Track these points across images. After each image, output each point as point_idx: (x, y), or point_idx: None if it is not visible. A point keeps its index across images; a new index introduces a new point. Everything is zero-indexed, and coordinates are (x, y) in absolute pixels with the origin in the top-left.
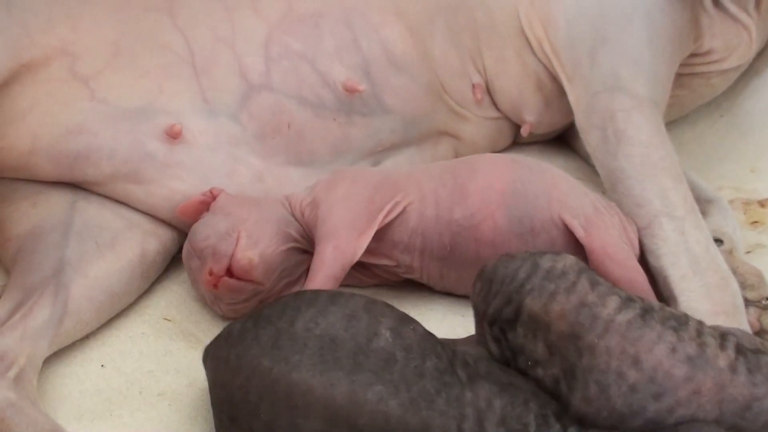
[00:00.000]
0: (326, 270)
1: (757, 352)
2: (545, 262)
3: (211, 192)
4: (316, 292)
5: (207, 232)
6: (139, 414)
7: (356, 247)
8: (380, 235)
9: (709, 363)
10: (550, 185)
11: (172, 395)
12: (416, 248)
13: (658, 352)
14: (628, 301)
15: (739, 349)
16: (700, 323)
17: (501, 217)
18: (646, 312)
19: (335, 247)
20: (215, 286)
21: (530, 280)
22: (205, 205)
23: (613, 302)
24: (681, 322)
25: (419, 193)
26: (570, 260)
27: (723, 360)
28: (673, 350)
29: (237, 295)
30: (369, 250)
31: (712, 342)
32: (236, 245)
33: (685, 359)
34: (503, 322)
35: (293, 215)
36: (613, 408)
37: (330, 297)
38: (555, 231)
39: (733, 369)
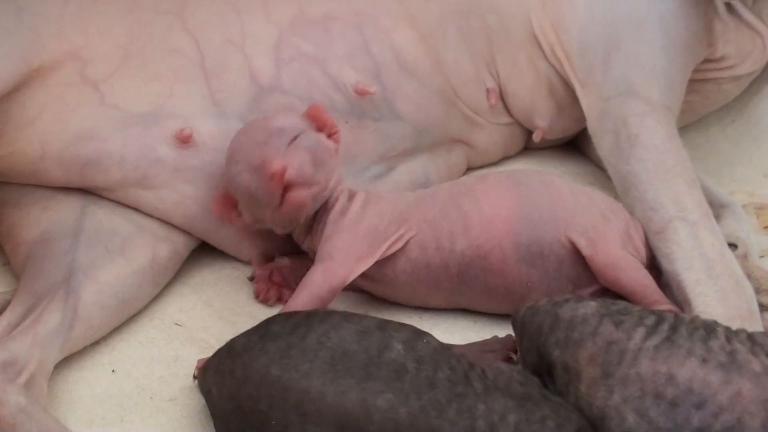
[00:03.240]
0: (312, 289)
1: None
2: (565, 312)
3: None
4: (329, 312)
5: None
6: (150, 419)
7: (349, 271)
8: (383, 264)
9: (743, 368)
10: (556, 204)
11: (183, 400)
12: (422, 279)
13: (691, 365)
14: (654, 327)
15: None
16: (729, 329)
17: (509, 246)
18: (674, 330)
19: (326, 268)
20: (283, 194)
21: (554, 333)
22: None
23: (639, 333)
24: (709, 330)
25: (422, 224)
26: (591, 306)
27: (756, 365)
28: (705, 360)
29: (300, 211)
30: (371, 277)
31: (741, 349)
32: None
33: (718, 366)
34: (544, 375)
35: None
36: (657, 428)
37: (344, 315)
38: (562, 251)
39: None
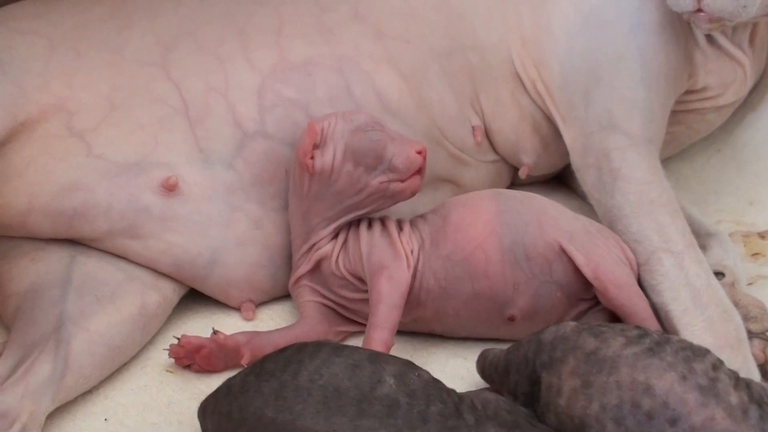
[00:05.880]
0: (386, 301)
1: None
2: (547, 336)
3: None
4: (319, 345)
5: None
6: None
7: (408, 273)
8: None
9: (720, 396)
10: (538, 211)
11: None
12: (413, 290)
13: (669, 378)
14: (637, 338)
15: (752, 396)
16: (720, 361)
17: (491, 247)
18: (658, 345)
19: (389, 276)
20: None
21: (539, 357)
22: None
23: (618, 342)
24: (698, 354)
25: (419, 236)
26: (570, 326)
27: (734, 398)
28: (684, 378)
29: (407, 194)
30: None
31: (725, 379)
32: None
33: (697, 387)
34: (534, 403)
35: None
36: None
37: (333, 349)
38: (551, 254)
39: (744, 411)
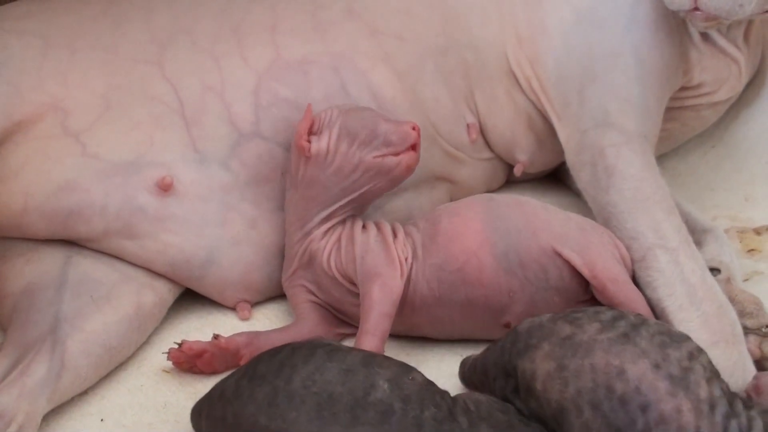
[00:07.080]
0: (377, 308)
1: (744, 405)
2: (523, 327)
3: None
4: (313, 349)
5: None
6: None
7: (401, 281)
8: None
9: (689, 388)
10: (530, 216)
11: None
12: (407, 298)
13: (642, 365)
14: (612, 321)
15: (724, 392)
16: (699, 350)
17: (485, 255)
18: (634, 328)
19: (382, 284)
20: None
21: (515, 346)
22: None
23: (593, 327)
24: (675, 340)
25: (412, 244)
26: (546, 316)
27: (704, 392)
28: (657, 366)
29: (404, 171)
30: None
31: (699, 370)
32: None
33: (668, 376)
34: (513, 397)
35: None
36: (610, 424)
37: (327, 353)
38: (545, 259)
39: (711, 406)
